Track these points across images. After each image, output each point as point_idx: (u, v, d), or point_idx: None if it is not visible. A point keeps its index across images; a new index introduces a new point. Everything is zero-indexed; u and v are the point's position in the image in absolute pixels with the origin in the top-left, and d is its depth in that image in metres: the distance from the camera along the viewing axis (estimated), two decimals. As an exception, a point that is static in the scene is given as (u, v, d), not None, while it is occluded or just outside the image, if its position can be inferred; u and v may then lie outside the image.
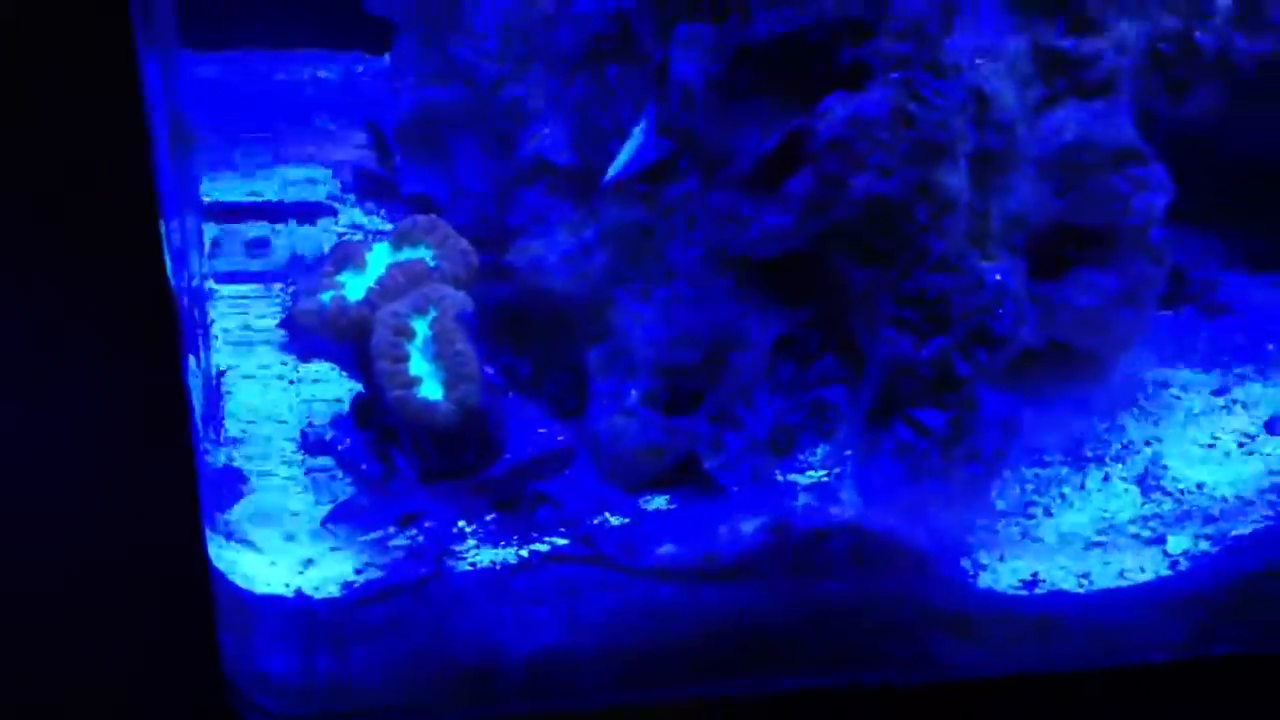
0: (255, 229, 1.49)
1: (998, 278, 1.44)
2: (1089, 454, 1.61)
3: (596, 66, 1.53)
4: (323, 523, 1.39)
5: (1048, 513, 1.53)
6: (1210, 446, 1.63)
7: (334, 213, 1.77)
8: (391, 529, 1.38)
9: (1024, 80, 1.48)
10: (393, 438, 1.44)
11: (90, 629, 1.33)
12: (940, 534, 1.46)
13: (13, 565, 1.28)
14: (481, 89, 1.67)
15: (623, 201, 1.48)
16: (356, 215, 1.80)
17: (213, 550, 1.34)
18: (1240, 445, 1.63)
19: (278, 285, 1.56)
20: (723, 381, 1.48)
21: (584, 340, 1.53)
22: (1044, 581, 1.46)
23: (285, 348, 1.54)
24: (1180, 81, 1.57)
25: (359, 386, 1.49)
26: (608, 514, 1.47)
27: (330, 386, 1.54)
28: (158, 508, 1.28)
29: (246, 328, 1.49)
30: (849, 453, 1.48)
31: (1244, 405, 1.69)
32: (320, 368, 1.56)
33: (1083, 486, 1.57)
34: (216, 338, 1.44)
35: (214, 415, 1.43)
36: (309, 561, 1.37)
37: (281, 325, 1.51)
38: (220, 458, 1.41)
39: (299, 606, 1.34)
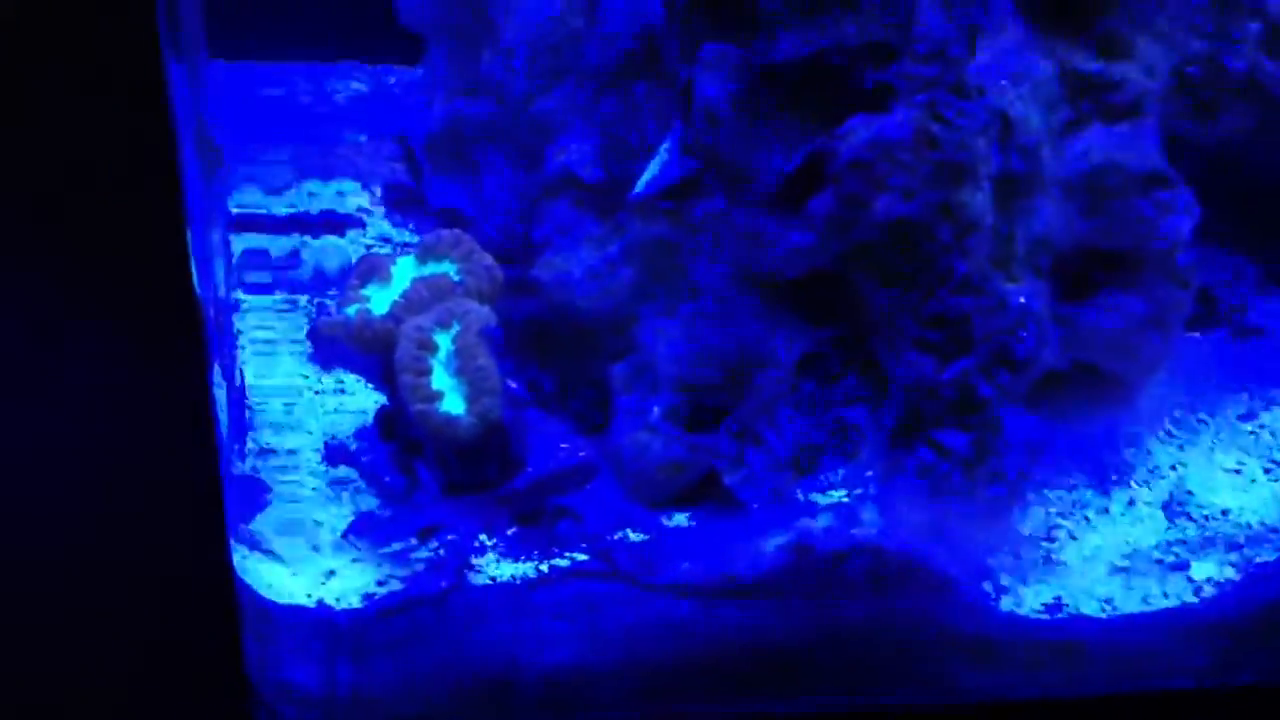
0: (284, 241, 1.50)
1: (1021, 300, 1.43)
2: (1114, 477, 1.60)
3: (624, 83, 1.54)
4: (344, 534, 1.40)
5: (1071, 536, 1.52)
6: (1237, 472, 1.62)
7: (363, 225, 1.78)
8: (413, 541, 1.39)
9: (1050, 103, 1.48)
10: (417, 450, 1.45)
11: (115, 635, 1.33)
12: (962, 556, 1.45)
13: (39, 573, 1.29)
14: (510, 103, 1.68)
15: (648, 218, 1.48)
16: (385, 227, 1.82)
17: (236, 559, 1.35)
18: (1267, 471, 1.62)
19: (304, 297, 1.57)
20: (745, 399, 1.48)
21: (608, 356, 1.53)
22: (1067, 606, 1.45)
23: (310, 359, 1.55)
24: (1208, 104, 1.56)
25: (384, 398, 1.50)
26: (628, 530, 1.47)
27: (356, 398, 1.55)
28: (182, 516, 1.29)
29: (271, 339, 1.50)
30: (871, 473, 1.48)
31: (1272, 431, 1.68)
32: (347, 379, 1.57)
33: (1107, 510, 1.56)
34: (243, 348, 1.45)
35: (239, 425, 1.44)
36: (331, 573, 1.38)
37: (308, 337, 1.51)
38: (245, 468, 1.42)
39: (321, 617, 1.35)
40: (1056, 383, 1.55)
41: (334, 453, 1.49)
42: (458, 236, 1.46)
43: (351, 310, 1.41)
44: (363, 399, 1.55)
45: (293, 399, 1.49)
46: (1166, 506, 1.57)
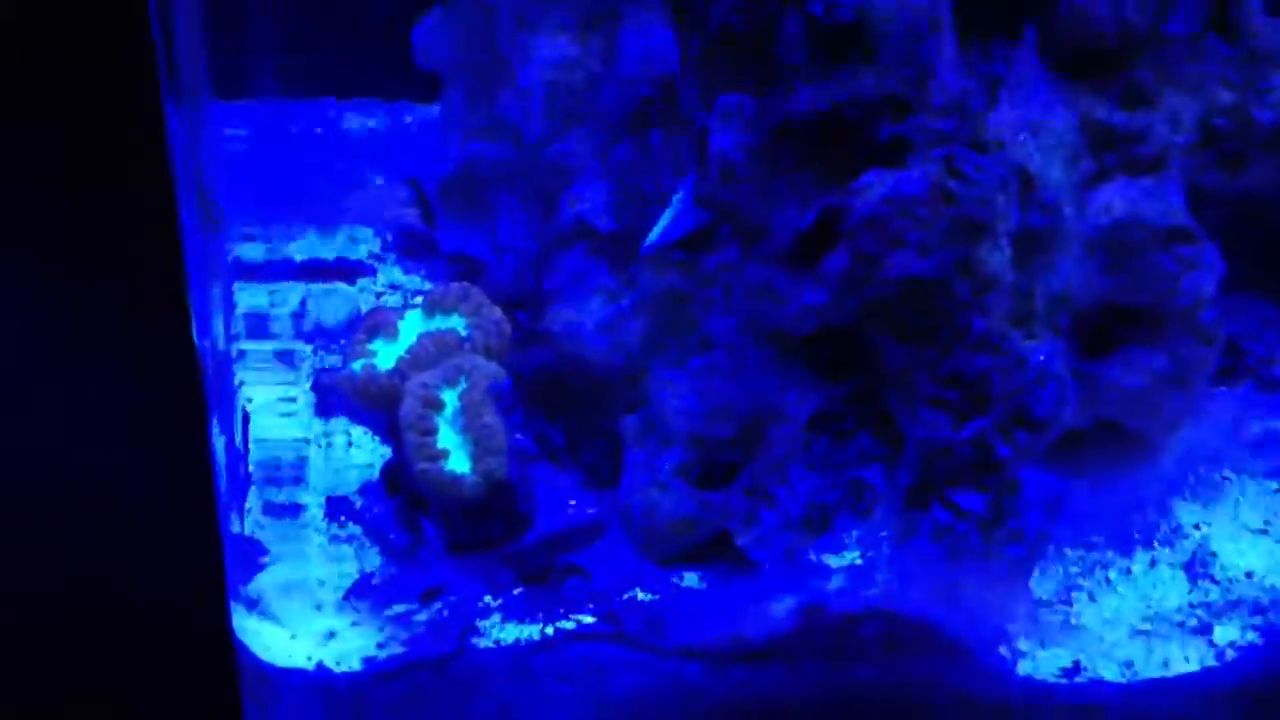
0: (291, 288, 1.49)
1: (1040, 358, 1.41)
2: (1136, 537, 1.57)
3: (640, 130, 1.52)
4: (345, 596, 1.38)
5: (1091, 598, 1.50)
6: (1262, 532, 1.59)
7: (373, 272, 1.77)
8: (415, 605, 1.37)
9: (1071, 156, 1.45)
10: (422, 506, 1.43)
11: (114, 699, 1.32)
12: (979, 618, 1.43)
13: (35, 637, 1.28)
14: (526, 146, 1.66)
15: (660, 270, 1.46)
16: (396, 274, 1.80)
17: (236, 621, 1.33)
18: (1293, 532, 1.59)
19: (308, 347, 1.56)
20: (758, 456, 1.46)
21: (619, 409, 1.51)
22: (1086, 670, 1.42)
23: (315, 412, 1.54)
24: (1235, 156, 1.53)
25: (390, 451, 1.48)
26: (638, 589, 1.45)
27: (362, 451, 1.53)
28: (181, 576, 1.28)
29: (275, 391, 1.48)
30: (885, 533, 1.45)
31: (1298, 489, 1.65)
32: (354, 431, 1.55)
33: (1128, 571, 1.53)
34: (250, 400, 1.43)
35: (240, 481, 1.43)
36: (331, 634, 1.36)
37: (312, 389, 1.50)
38: (245, 526, 1.41)
39: (320, 680, 1.33)
40: (1077, 440, 1.52)
41: (338, 508, 1.47)
42: (466, 290, 1.44)
43: (357, 365, 1.39)
44: (368, 452, 1.53)
45: (296, 452, 1.47)
46: (1189, 568, 1.54)
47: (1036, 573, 1.48)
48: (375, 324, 1.44)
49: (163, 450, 1.24)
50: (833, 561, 1.45)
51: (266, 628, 1.36)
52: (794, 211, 1.38)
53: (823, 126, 1.35)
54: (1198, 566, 1.54)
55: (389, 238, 1.85)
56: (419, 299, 1.50)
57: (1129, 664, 1.43)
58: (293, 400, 1.41)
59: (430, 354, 1.38)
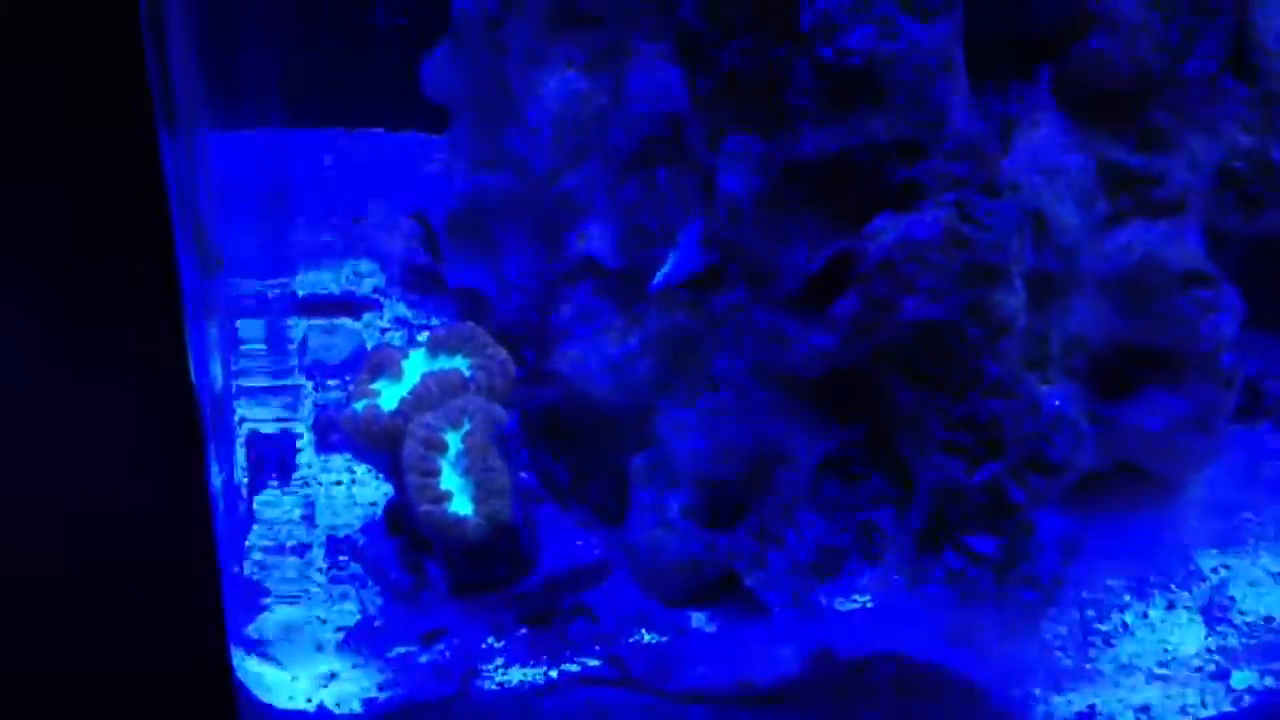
0: (295, 323, 1.48)
1: (1055, 402, 1.39)
2: (1153, 580, 1.55)
3: (648, 168, 1.50)
4: (346, 638, 1.36)
5: (1108, 642, 1.48)
6: (1281, 576, 1.57)
7: (379, 307, 1.76)
8: (417, 647, 1.35)
9: (1087, 198, 1.43)
10: (425, 546, 1.41)
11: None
12: (992, 663, 1.41)
13: (29, 685, 1.27)
14: (533, 180, 1.64)
15: (668, 309, 1.44)
16: (402, 309, 1.79)
17: (235, 662, 1.32)
18: (1314, 576, 1.57)
19: (309, 384, 1.54)
20: (766, 497, 1.44)
21: (626, 448, 1.49)
22: (1101, 715, 1.40)
23: (316, 450, 1.52)
24: (1255, 199, 1.51)
25: (393, 489, 1.46)
26: (644, 631, 1.43)
27: (365, 489, 1.52)
28: (179, 618, 1.26)
29: (277, 428, 1.47)
30: (896, 577, 1.43)
31: (1320, 533, 1.62)
32: (358, 469, 1.54)
33: (1145, 615, 1.51)
34: (246, 438, 1.42)
35: (240, 520, 1.41)
36: (332, 675, 1.34)
37: (312, 427, 1.49)
38: (246, 566, 1.39)
39: (320, 722, 1.32)
40: (1094, 482, 1.50)
41: (340, 547, 1.46)
42: (471, 330, 1.43)
43: (360, 405, 1.38)
44: (372, 490, 1.52)
45: (298, 491, 1.46)
46: (1207, 612, 1.52)
47: (1051, 617, 1.46)
48: (379, 363, 1.42)
49: (158, 489, 1.22)
50: (842, 605, 1.43)
51: (267, 669, 1.35)
52: (803, 254, 1.36)
53: (832, 170, 1.33)
54: (1216, 611, 1.51)
55: (395, 272, 1.84)
56: (424, 335, 1.49)
57: (1145, 709, 1.41)
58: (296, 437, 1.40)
59: (434, 394, 1.37)
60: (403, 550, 1.42)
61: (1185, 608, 1.52)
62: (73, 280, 1.14)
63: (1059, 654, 1.45)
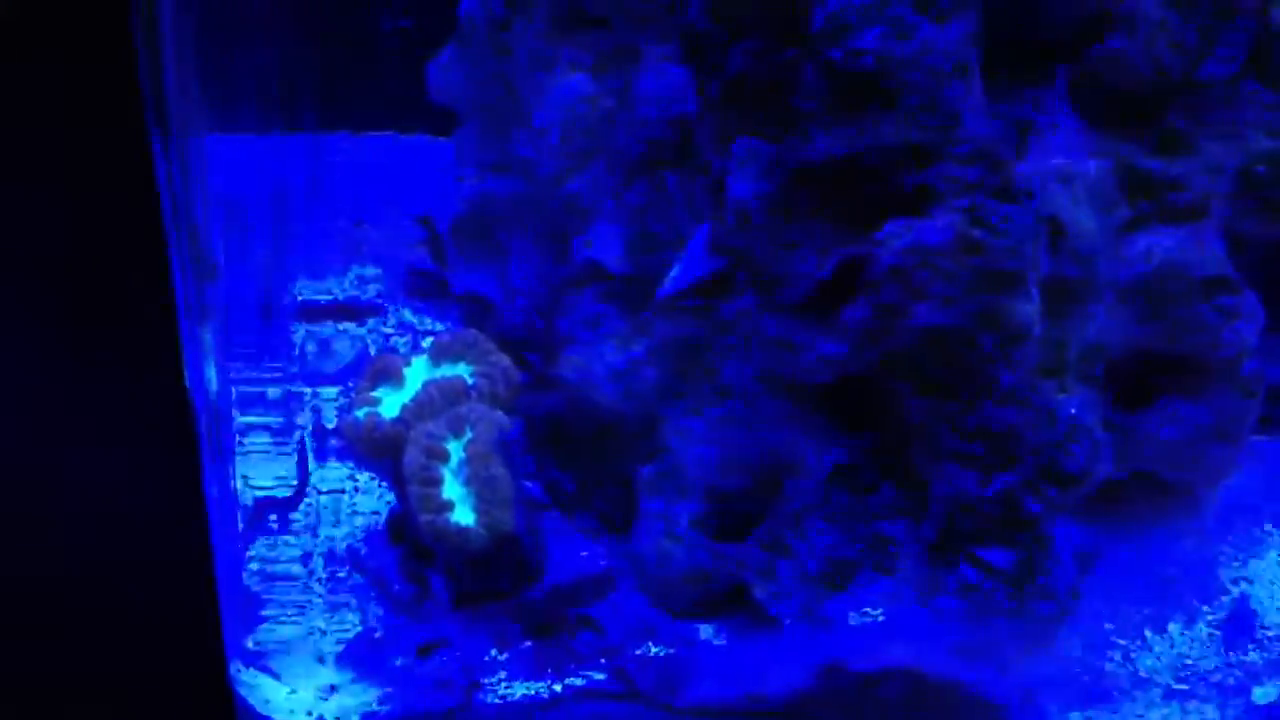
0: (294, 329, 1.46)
1: (1072, 411, 1.36)
2: (1172, 593, 1.53)
3: (655, 172, 1.48)
4: (346, 650, 1.34)
5: (1126, 657, 1.46)
6: (1306, 588, 1.55)
7: (383, 312, 1.74)
8: (416, 657, 1.33)
9: (1106, 203, 1.40)
10: (427, 556, 1.39)
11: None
12: (1006, 679, 1.38)
13: (32, 697, 1.26)
14: (540, 183, 1.63)
15: (675, 316, 1.42)
16: (406, 315, 1.77)
17: (233, 674, 1.30)
18: (1338, 589, 1.55)
19: (309, 390, 1.52)
20: (776, 508, 1.41)
21: (633, 456, 1.47)
22: (1118, 731, 1.38)
23: (317, 458, 1.50)
24: (1275, 204, 1.48)
25: (395, 498, 1.44)
26: (651, 643, 1.40)
27: (368, 498, 1.50)
28: (176, 629, 1.25)
29: (276, 437, 1.45)
30: (908, 590, 1.40)
31: (1343, 543, 1.60)
32: (361, 479, 1.52)
33: (1164, 629, 1.49)
34: (246, 447, 1.40)
35: (237, 530, 1.39)
36: (332, 688, 1.32)
37: (312, 435, 1.47)
38: (245, 576, 1.37)
39: (320, 736, 1.30)
40: (1112, 492, 1.48)
41: (341, 558, 1.43)
42: (474, 337, 1.41)
43: (361, 413, 1.36)
44: (374, 499, 1.50)
45: (300, 499, 1.44)
46: (1227, 625, 1.50)
47: (1067, 630, 1.43)
48: (380, 370, 1.40)
49: (153, 490, 1.21)
50: (853, 618, 1.40)
51: (266, 681, 1.32)
52: (812, 260, 1.34)
53: (842, 174, 1.31)
54: (1236, 624, 1.50)
55: (399, 276, 1.82)
56: (427, 341, 1.46)
57: None
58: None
59: (436, 402, 1.34)
60: (404, 560, 1.40)
61: (1205, 621, 1.50)
62: (67, 281, 1.14)
63: (1076, 668, 1.43)
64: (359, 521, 1.48)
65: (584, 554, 1.45)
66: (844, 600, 1.41)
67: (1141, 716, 1.40)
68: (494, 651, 1.36)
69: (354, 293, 1.76)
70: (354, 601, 1.41)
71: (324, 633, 1.37)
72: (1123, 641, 1.47)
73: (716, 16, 1.36)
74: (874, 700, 1.35)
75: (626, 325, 1.46)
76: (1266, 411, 1.59)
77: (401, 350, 1.66)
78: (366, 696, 1.32)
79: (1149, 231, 1.43)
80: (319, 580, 1.42)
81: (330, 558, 1.44)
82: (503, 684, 1.34)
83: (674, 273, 1.41)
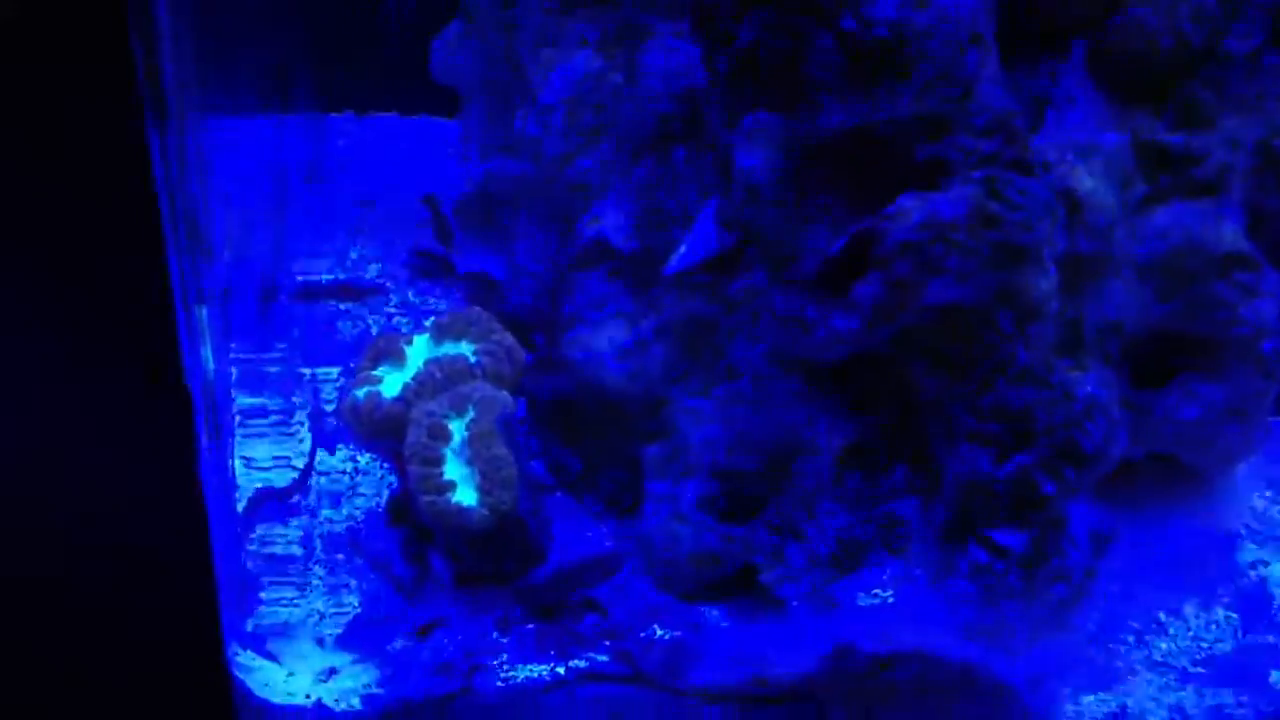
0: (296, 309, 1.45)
1: (1089, 390, 1.33)
2: (1188, 576, 1.52)
3: (663, 147, 1.46)
4: (345, 631, 1.33)
5: (1140, 639, 1.45)
6: (1323, 573, 1.54)
7: (386, 292, 1.72)
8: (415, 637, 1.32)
9: (1123, 178, 1.38)
10: (429, 537, 1.37)
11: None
12: (1019, 662, 1.37)
13: (32, 679, 1.24)
14: (546, 163, 1.60)
15: (683, 294, 1.40)
16: (408, 295, 1.75)
17: (232, 657, 1.28)
18: (1357, 573, 1.53)
19: (307, 371, 1.51)
20: (785, 489, 1.39)
21: (639, 437, 1.45)
22: (1132, 715, 1.38)
23: (315, 439, 1.49)
24: (1298, 179, 1.46)
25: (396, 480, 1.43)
26: (656, 626, 1.39)
27: (369, 478, 1.49)
28: (174, 613, 1.24)
29: (276, 419, 1.44)
30: (919, 572, 1.38)
31: (1360, 527, 1.59)
32: (361, 458, 1.50)
33: (1180, 612, 1.48)
34: (246, 429, 1.38)
35: (236, 511, 1.38)
36: (332, 670, 1.31)
37: (310, 416, 1.45)
38: (244, 558, 1.35)
39: (319, 718, 1.28)
40: (1128, 473, 1.46)
41: (341, 539, 1.42)
42: (476, 314, 1.38)
43: (361, 392, 1.33)
44: (375, 480, 1.48)
45: (301, 480, 1.43)
46: (1244, 609, 1.49)
47: (1081, 613, 1.42)
48: (381, 349, 1.38)
49: (149, 476, 1.20)
50: (863, 600, 1.38)
51: (264, 664, 1.31)
52: (823, 235, 1.32)
53: (855, 146, 1.29)
54: (1253, 608, 1.49)
55: (403, 256, 1.80)
56: (430, 321, 1.44)
57: (1179, 709, 1.38)
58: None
59: (438, 381, 1.32)
60: (406, 542, 1.39)
61: (1222, 604, 1.49)
62: (63, 271, 1.13)
63: (1089, 651, 1.42)
64: (359, 503, 1.47)
65: (589, 535, 1.43)
66: (854, 582, 1.39)
67: (1157, 700, 1.39)
68: (496, 634, 1.35)
69: (356, 273, 1.75)
70: (354, 583, 1.40)
71: (323, 615, 1.36)
72: (1137, 624, 1.46)
73: (726, -14, 1.34)
74: (883, 684, 1.34)
75: (633, 304, 1.44)
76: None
77: (404, 330, 1.65)
78: (366, 678, 1.31)
79: (1167, 207, 1.41)
80: (319, 562, 1.41)
81: (330, 539, 1.43)
82: (505, 666, 1.33)
83: (682, 249, 1.39)
